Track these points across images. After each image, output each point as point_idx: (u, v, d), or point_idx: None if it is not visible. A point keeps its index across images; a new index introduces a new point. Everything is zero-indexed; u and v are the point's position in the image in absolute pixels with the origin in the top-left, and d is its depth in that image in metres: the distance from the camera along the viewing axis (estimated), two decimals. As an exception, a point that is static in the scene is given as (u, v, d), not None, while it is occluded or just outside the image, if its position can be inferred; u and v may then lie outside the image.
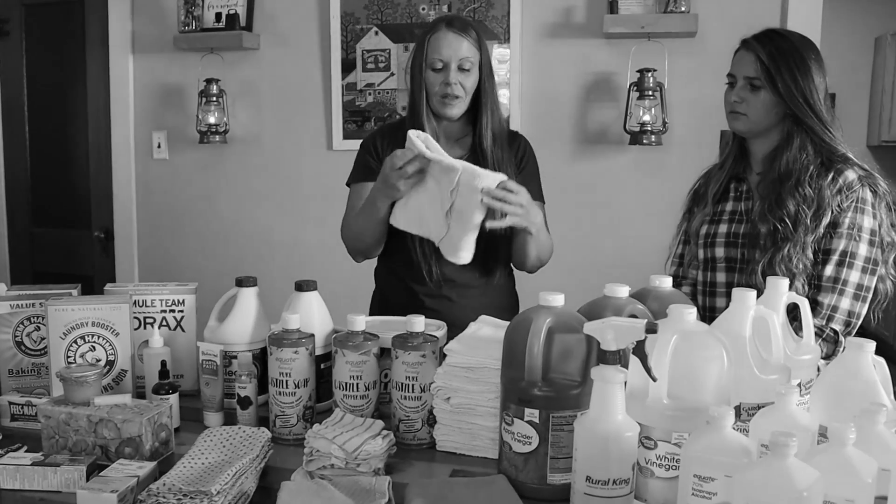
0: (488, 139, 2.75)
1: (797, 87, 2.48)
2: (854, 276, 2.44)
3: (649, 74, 4.05)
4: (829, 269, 2.44)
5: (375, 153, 2.82)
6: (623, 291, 1.97)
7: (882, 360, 1.73)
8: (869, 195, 2.47)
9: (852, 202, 2.44)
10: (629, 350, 1.65)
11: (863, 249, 2.44)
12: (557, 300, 1.82)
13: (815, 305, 2.42)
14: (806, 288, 2.45)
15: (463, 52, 2.66)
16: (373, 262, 2.95)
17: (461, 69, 2.67)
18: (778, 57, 2.49)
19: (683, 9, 4.00)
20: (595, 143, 4.31)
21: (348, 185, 2.89)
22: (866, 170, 2.50)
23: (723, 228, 2.66)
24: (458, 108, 2.71)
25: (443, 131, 2.80)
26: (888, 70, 7.21)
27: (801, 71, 2.48)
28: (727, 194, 2.72)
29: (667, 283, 2.12)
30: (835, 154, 2.49)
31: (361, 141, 2.96)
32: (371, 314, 2.20)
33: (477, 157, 2.73)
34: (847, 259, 2.44)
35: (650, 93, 4.06)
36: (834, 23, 5.68)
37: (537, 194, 2.86)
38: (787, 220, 2.45)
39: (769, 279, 1.94)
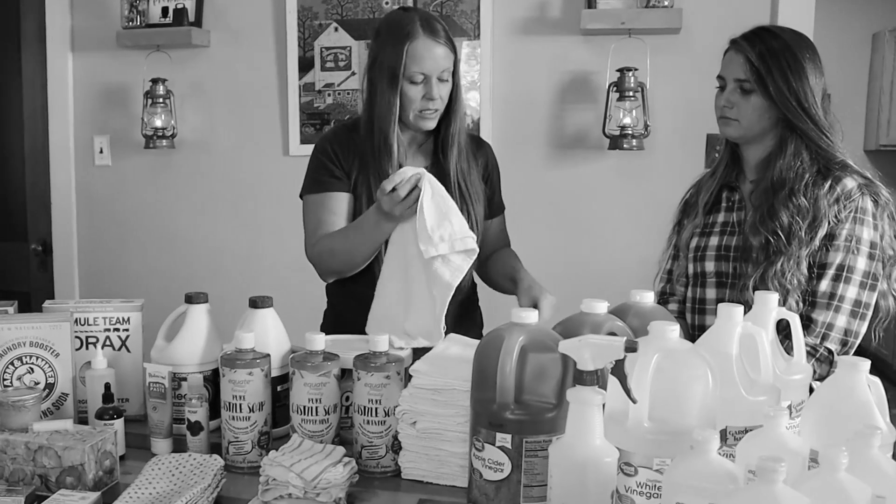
0: (454, 152, 2.75)
1: (790, 90, 2.48)
2: (851, 292, 2.45)
3: (630, 74, 4.07)
4: (824, 284, 2.45)
5: (337, 161, 2.78)
6: (601, 307, 1.98)
7: (877, 380, 1.74)
8: (869, 205, 2.47)
9: (851, 212, 2.45)
10: (607, 370, 1.66)
11: (861, 263, 2.45)
12: (531, 317, 1.84)
13: (808, 323, 2.43)
14: (800, 305, 2.46)
15: (443, 63, 2.64)
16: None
17: (440, 80, 2.66)
18: (769, 57, 2.50)
19: (666, 3, 4.02)
20: (572, 148, 4.33)
21: (302, 196, 2.85)
22: (867, 178, 2.50)
23: (713, 241, 2.68)
24: (435, 121, 2.71)
25: (406, 140, 2.80)
26: (886, 69, 7.25)
27: (794, 72, 2.49)
28: (719, 204, 2.73)
29: (648, 298, 2.13)
30: (832, 161, 2.50)
31: (314, 145, 2.91)
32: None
33: (440, 167, 2.74)
34: (844, 273, 2.44)
35: (631, 93, 4.07)
36: (828, 18, 5.75)
37: (499, 205, 2.91)
38: (780, 233, 2.45)
39: (758, 293, 1.95)
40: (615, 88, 4.11)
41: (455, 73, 2.70)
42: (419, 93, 2.64)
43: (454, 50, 2.68)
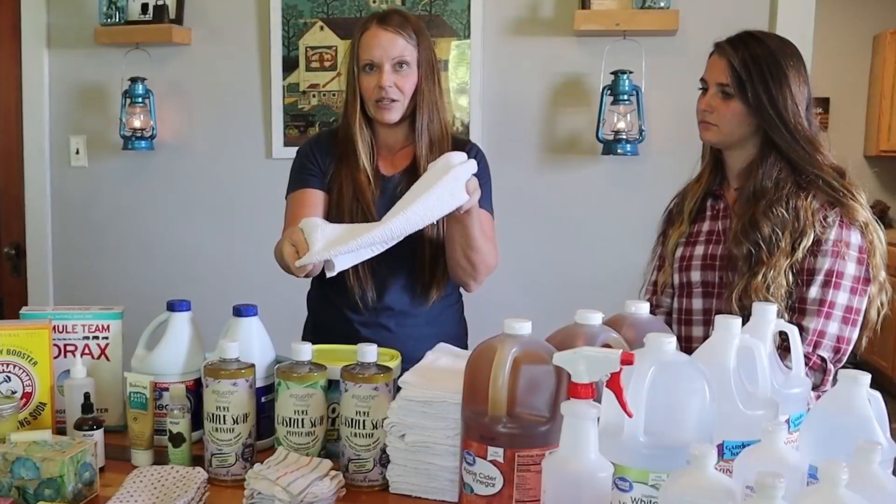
0: (423, 146, 2.78)
1: (770, 98, 2.49)
2: (842, 298, 2.45)
3: (625, 77, 4.08)
4: (813, 291, 2.46)
5: (315, 160, 2.86)
6: (596, 318, 1.99)
7: (877, 395, 1.75)
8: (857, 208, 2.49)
9: (837, 216, 2.46)
10: (603, 382, 1.68)
11: (850, 268, 2.45)
12: (524, 328, 1.84)
13: (799, 330, 2.42)
14: (785, 316, 2.46)
15: (397, 51, 2.70)
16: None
17: (396, 69, 2.71)
18: (751, 64, 2.51)
19: (662, 4, 4.04)
20: (564, 153, 4.34)
21: (286, 197, 2.91)
22: (836, 198, 2.48)
23: (699, 250, 2.69)
24: (395, 112, 2.74)
25: (382, 140, 2.85)
26: (887, 71, 7.23)
27: (776, 80, 2.50)
28: (703, 213, 2.75)
29: (643, 309, 2.14)
30: (804, 174, 2.50)
31: (298, 148, 2.98)
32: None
33: (416, 166, 2.77)
34: (833, 279, 2.45)
35: (626, 97, 4.09)
36: (829, 19, 5.76)
37: (487, 207, 2.90)
38: (762, 244, 2.47)
39: (755, 305, 1.96)
40: (609, 92, 4.12)
41: (421, 67, 2.75)
42: (373, 81, 2.72)
43: (415, 41, 2.74)
